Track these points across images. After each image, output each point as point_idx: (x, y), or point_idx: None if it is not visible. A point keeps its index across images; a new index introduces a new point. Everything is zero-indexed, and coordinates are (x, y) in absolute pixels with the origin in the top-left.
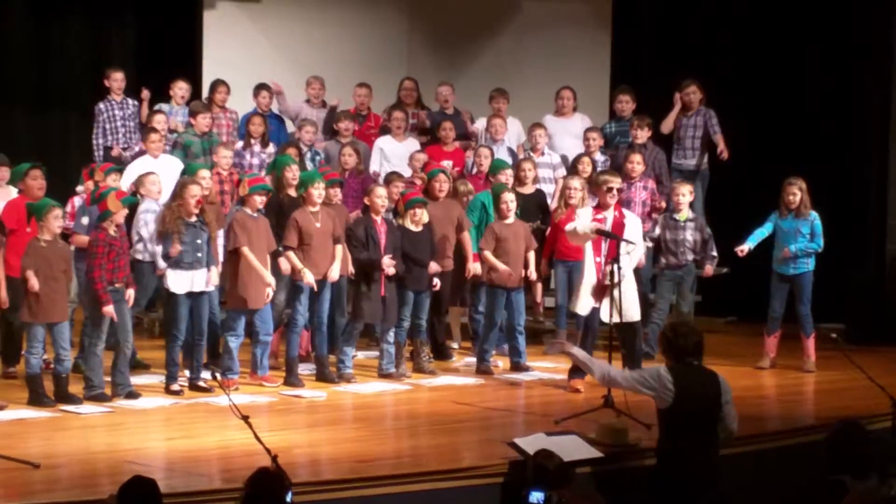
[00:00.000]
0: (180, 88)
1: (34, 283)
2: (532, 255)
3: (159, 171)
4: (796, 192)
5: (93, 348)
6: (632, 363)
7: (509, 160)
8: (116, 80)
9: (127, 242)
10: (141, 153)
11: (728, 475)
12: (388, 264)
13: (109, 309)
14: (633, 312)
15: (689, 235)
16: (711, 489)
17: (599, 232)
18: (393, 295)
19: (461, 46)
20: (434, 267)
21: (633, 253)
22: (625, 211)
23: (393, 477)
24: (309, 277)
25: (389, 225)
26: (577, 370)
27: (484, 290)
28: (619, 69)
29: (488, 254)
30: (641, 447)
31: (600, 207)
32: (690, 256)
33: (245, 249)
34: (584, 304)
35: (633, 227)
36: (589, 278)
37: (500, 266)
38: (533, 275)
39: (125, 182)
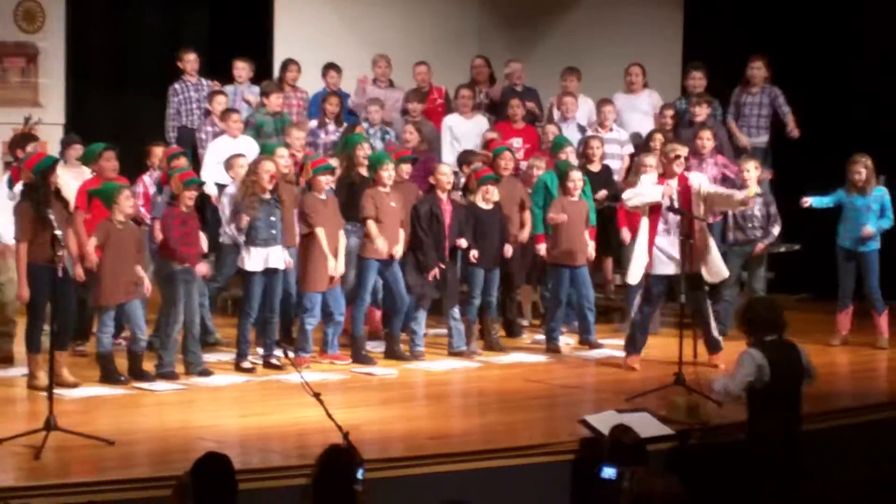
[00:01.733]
0: (240, 68)
1: (93, 258)
2: (587, 234)
3: (238, 151)
4: (861, 171)
5: (167, 328)
6: (707, 326)
7: (577, 138)
8: (190, 60)
9: (198, 223)
10: (216, 133)
11: (803, 451)
12: (462, 244)
13: (201, 268)
14: (723, 270)
15: (757, 210)
16: (796, 465)
17: (670, 209)
18: (454, 273)
19: (532, 24)
20: (462, 242)
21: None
22: (687, 175)
23: (463, 454)
24: (382, 245)
25: (454, 203)
26: (632, 346)
27: (553, 270)
28: (691, 45)
29: (552, 214)
30: (713, 424)
31: (665, 176)
32: (760, 232)
33: (319, 231)
34: (635, 273)
35: (702, 182)
36: (641, 249)
37: (559, 216)
38: (591, 250)
39: (208, 161)
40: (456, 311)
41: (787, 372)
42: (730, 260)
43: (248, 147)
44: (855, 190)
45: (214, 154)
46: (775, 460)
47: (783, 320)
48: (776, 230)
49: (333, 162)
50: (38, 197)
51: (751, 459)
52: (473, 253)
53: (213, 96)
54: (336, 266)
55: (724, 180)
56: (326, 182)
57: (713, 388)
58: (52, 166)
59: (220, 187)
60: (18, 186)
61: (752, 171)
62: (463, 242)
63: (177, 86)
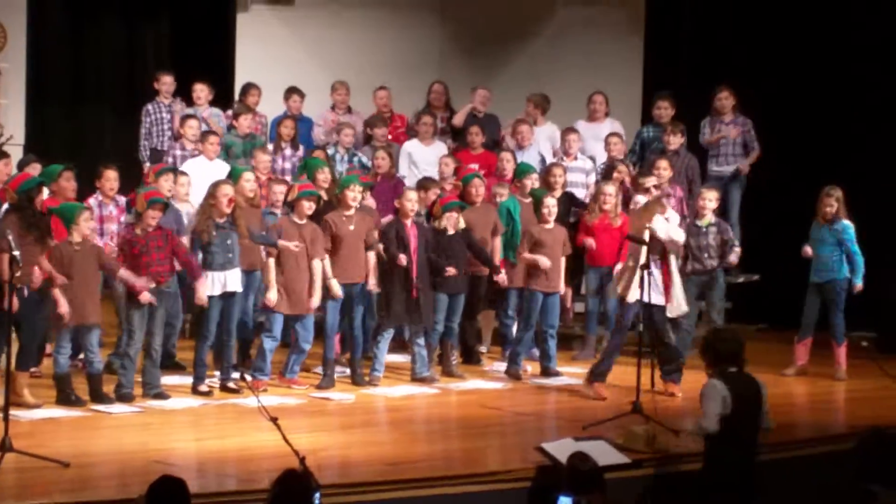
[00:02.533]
0: (199, 90)
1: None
2: (563, 262)
3: (213, 174)
4: (833, 203)
5: (128, 349)
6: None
7: (537, 166)
8: (166, 83)
9: (162, 241)
10: (184, 156)
11: (758, 482)
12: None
13: (145, 296)
14: (683, 306)
15: (712, 240)
16: (754, 495)
17: (628, 237)
18: (427, 298)
19: (494, 51)
20: (451, 270)
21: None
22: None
23: (422, 480)
24: (336, 289)
25: (420, 228)
26: (598, 374)
27: (514, 294)
28: (652, 74)
29: (527, 254)
30: (670, 453)
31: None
32: (715, 262)
33: (271, 262)
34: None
35: (673, 222)
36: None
37: (541, 260)
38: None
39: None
40: (421, 339)
41: (747, 404)
42: (687, 290)
43: (222, 170)
44: (823, 222)
45: (195, 175)
46: (731, 491)
47: (744, 352)
48: (733, 257)
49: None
50: (24, 216)
51: (706, 489)
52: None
53: (184, 120)
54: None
55: (684, 211)
56: (309, 208)
57: (686, 429)
58: (36, 188)
59: None
60: (5, 206)
61: (712, 201)
62: (451, 270)
63: (150, 107)
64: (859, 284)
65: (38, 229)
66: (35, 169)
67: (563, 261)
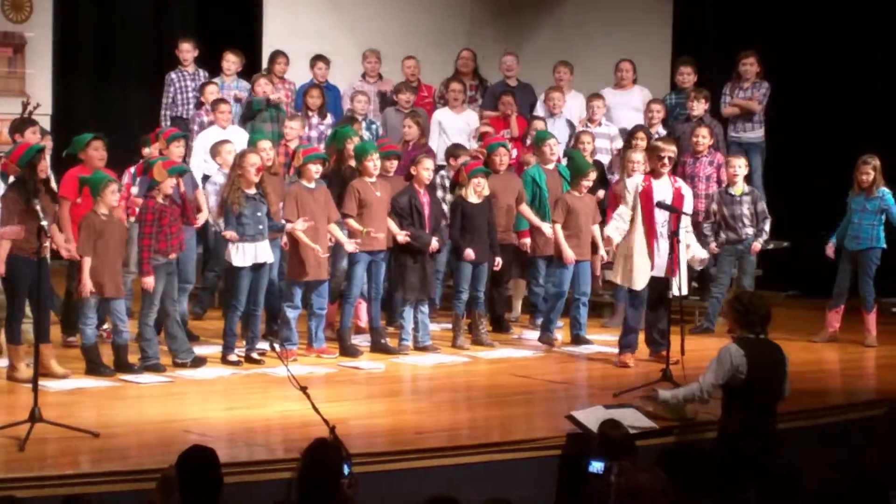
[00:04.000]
0: (229, 61)
1: (86, 267)
2: (597, 229)
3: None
4: (870, 172)
5: (145, 319)
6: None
7: (566, 132)
8: (186, 50)
9: (178, 210)
10: (210, 123)
11: (788, 449)
12: (434, 247)
13: (149, 281)
14: (684, 288)
15: (746, 209)
16: (772, 461)
17: (659, 205)
18: (432, 268)
19: (522, 18)
20: (469, 254)
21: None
22: (679, 180)
23: (450, 449)
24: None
25: (433, 197)
26: (626, 344)
27: (542, 262)
28: (681, 41)
29: (558, 229)
30: (699, 420)
31: (653, 175)
32: (750, 230)
33: (299, 231)
34: (639, 278)
35: (687, 197)
36: (641, 252)
37: (566, 250)
38: (603, 251)
39: (197, 151)
40: (425, 306)
41: (766, 371)
42: (722, 259)
43: (238, 138)
44: (859, 191)
45: (203, 145)
46: (747, 459)
47: (768, 317)
48: (767, 226)
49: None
50: (26, 187)
51: (721, 456)
52: (469, 252)
53: (204, 87)
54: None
55: (718, 181)
56: (316, 171)
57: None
58: (37, 154)
59: (206, 178)
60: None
61: (742, 168)
62: (435, 244)
63: (173, 75)
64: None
65: (36, 200)
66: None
67: (595, 229)
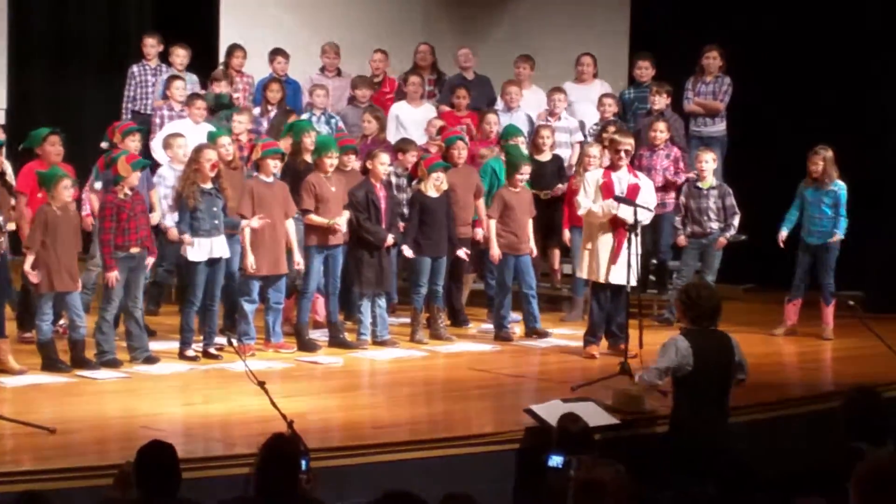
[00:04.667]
0: (179, 55)
1: (29, 260)
2: (530, 224)
3: (199, 137)
4: (819, 162)
5: (103, 313)
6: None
7: (525, 127)
8: (151, 45)
9: (143, 205)
10: (171, 117)
11: (745, 441)
12: (389, 242)
13: (111, 275)
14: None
15: (713, 203)
16: (723, 454)
17: (617, 198)
18: (388, 261)
19: (479, 12)
20: (389, 240)
21: (645, 217)
22: (639, 174)
23: (408, 443)
24: (341, 225)
25: (389, 191)
26: (592, 336)
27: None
28: (638, 35)
29: (493, 224)
30: (658, 414)
31: (612, 168)
32: (715, 225)
33: (246, 228)
34: (603, 271)
35: (647, 191)
36: (605, 246)
37: (494, 247)
38: (532, 244)
39: (157, 145)
40: (382, 300)
41: (714, 362)
42: (686, 252)
43: (204, 134)
44: (811, 182)
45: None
46: (698, 451)
47: (717, 309)
48: (736, 221)
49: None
50: None
51: (673, 448)
52: (406, 251)
53: (171, 81)
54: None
55: (676, 173)
56: (275, 166)
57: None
58: None
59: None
60: None
61: (710, 162)
62: (390, 240)
63: (135, 69)
64: (839, 235)
65: None
66: None
67: (529, 223)
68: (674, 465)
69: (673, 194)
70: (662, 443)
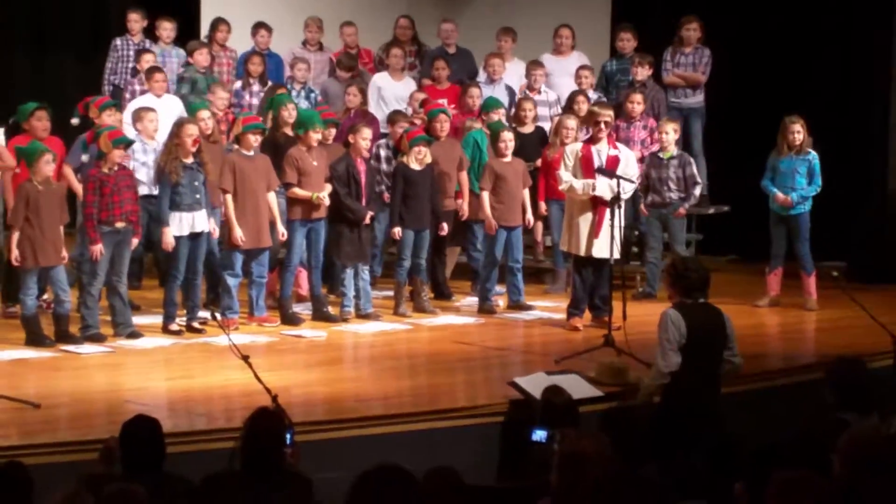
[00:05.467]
0: (165, 29)
1: (14, 238)
2: (527, 194)
3: (160, 111)
4: (799, 130)
5: (88, 288)
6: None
7: (506, 99)
8: (135, 20)
9: (129, 181)
10: (143, 92)
11: (730, 413)
12: (367, 221)
13: (96, 248)
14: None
15: (672, 173)
16: (715, 426)
17: (599, 170)
18: (367, 234)
19: None
20: (366, 220)
21: (628, 189)
22: (619, 145)
23: (392, 416)
24: (324, 198)
25: (368, 166)
26: (575, 308)
27: (481, 229)
28: (620, 6)
29: (486, 196)
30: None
31: (591, 141)
32: (675, 195)
33: (228, 198)
34: (584, 244)
35: (629, 162)
36: (585, 219)
37: (490, 219)
38: (529, 214)
39: (127, 119)
40: (366, 273)
41: (705, 335)
42: (650, 223)
43: (173, 106)
44: (787, 151)
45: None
46: (690, 424)
47: (706, 281)
48: (697, 191)
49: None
50: None
51: (664, 420)
52: (396, 230)
53: (140, 55)
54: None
55: (652, 143)
56: (255, 140)
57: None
58: None
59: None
60: None
61: (671, 133)
62: (367, 220)
63: (118, 41)
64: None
65: None
66: None
67: (526, 193)
68: (664, 436)
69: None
70: (654, 414)
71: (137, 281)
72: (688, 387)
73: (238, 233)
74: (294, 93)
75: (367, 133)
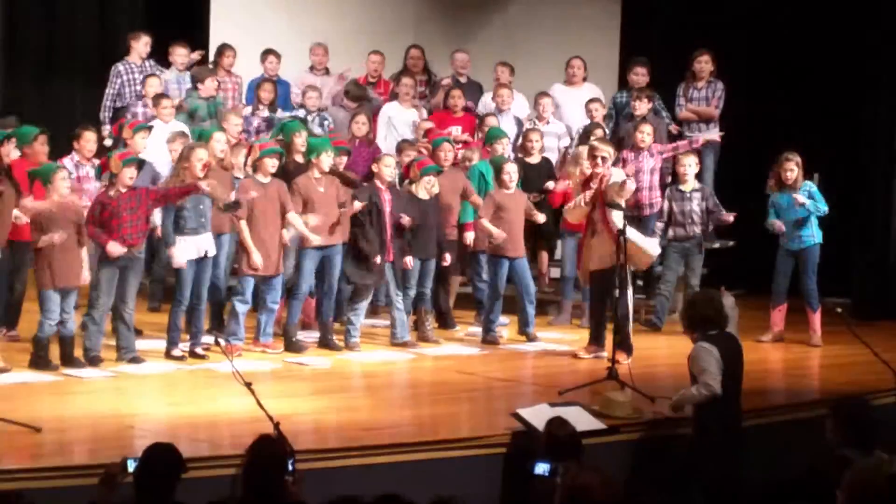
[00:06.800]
0: (179, 55)
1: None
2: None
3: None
4: (793, 168)
5: (93, 311)
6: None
7: (514, 130)
8: (143, 42)
9: (134, 203)
10: (145, 115)
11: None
12: (407, 221)
13: (114, 247)
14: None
15: (696, 206)
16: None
17: (607, 204)
18: (399, 263)
19: (470, 15)
20: (377, 261)
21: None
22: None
23: (395, 446)
24: (314, 240)
25: (394, 192)
26: (595, 340)
27: (485, 259)
28: (629, 39)
29: (485, 221)
30: (645, 419)
31: (590, 178)
32: (698, 228)
33: (243, 224)
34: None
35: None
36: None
37: (495, 231)
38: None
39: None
40: (399, 302)
41: (735, 364)
42: (669, 256)
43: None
44: (783, 188)
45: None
46: (724, 453)
47: (724, 314)
48: (729, 217)
49: None
50: None
51: (700, 452)
52: (408, 259)
53: (147, 79)
54: (258, 258)
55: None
56: (273, 166)
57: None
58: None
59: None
60: None
61: (692, 166)
62: (377, 261)
63: (120, 66)
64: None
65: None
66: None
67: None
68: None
69: (659, 195)
70: (689, 445)
71: (157, 303)
72: (722, 417)
73: (256, 258)
74: (309, 119)
75: (389, 161)
